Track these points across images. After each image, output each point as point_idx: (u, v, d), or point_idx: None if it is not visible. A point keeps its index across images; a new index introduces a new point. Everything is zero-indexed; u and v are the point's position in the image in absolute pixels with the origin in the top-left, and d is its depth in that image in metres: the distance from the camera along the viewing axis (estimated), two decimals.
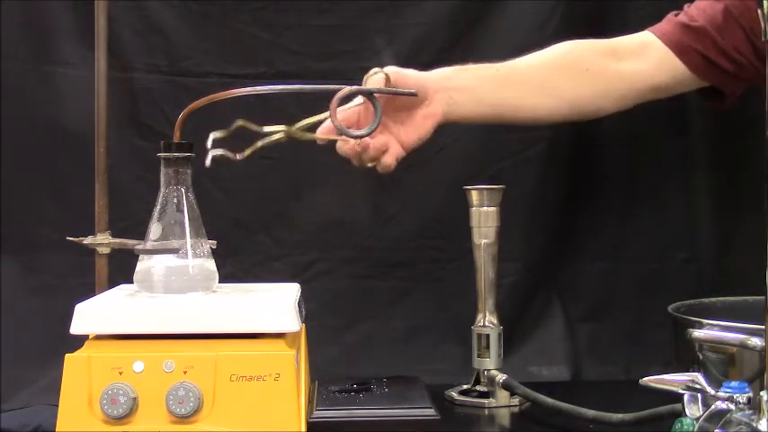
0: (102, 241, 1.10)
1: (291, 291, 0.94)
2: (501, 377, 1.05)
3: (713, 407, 0.73)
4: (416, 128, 1.00)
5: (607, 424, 0.93)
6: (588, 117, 1.09)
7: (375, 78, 0.96)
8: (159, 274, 0.88)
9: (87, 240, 1.10)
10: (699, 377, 0.77)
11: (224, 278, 0.93)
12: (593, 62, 1.06)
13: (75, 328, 0.82)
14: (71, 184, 1.24)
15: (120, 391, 0.78)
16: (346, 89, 0.92)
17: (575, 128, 1.18)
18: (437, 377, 1.15)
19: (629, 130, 1.27)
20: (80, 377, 0.79)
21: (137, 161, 1.24)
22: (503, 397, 1.05)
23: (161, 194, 0.89)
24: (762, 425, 0.70)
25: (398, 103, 0.99)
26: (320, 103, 0.95)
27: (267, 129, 0.93)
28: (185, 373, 0.80)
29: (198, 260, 0.88)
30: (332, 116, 0.93)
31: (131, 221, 1.19)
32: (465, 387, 1.10)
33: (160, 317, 0.82)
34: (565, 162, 1.31)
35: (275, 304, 0.84)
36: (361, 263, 1.29)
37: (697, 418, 0.74)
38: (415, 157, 1.02)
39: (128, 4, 1.24)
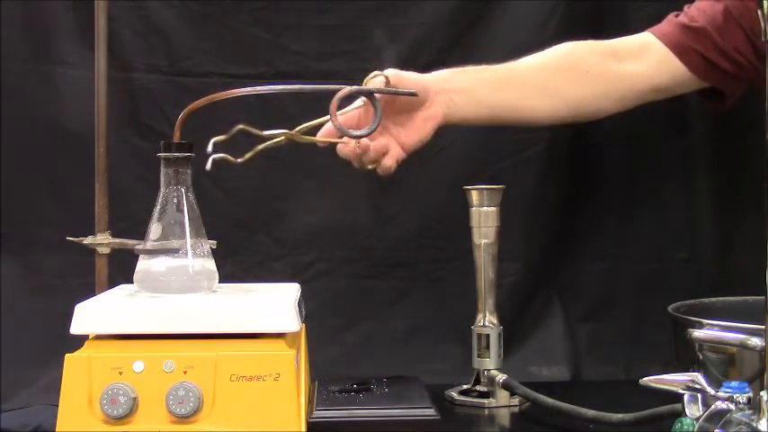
0: (102, 241, 1.10)
1: (291, 291, 0.94)
2: (501, 377, 1.05)
3: (713, 407, 0.73)
4: (416, 130, 1.00)
5: (607, 424, 0.93)
6: (588, 118, 1.09)
7: (375, 81, 0.96)
8: (159, 274, 0.88)
9: (87, 240, 1.10)
10: (699, 377, 0.77)
11: (224, 278, 0.93)
12: (593, 63, 1.06)
13: (75, 328, 0.82)
14: (71, 184, 1.24)
15: (120, 391, 0.78)
16: (346, 89, 0.92)
17: (575, 128, 1.18)
18: (437, 377, 1.15)
19: (629, 131, 1.27)
20: (80, 377, 0.79)
21: (137, 161, 1.24)
22: (503, 397, 1.05)
23: (161, 194, 0.89)
24: (762, 425, 0.70)
25: (398, 105, 0.99)
26: (320, 103, 0.95)
27: (268, 132, 0.93)
28: (185, 373, 0.80)
29: (198, 260, 0.88)
30: (332, 116, 0.93)
31: (131, 221, 1.19)
32: (465, 387, 1.10)
33: (160, 317, 0.82)
34: (565, 162, 1.31)
35: (275, 304, 0.84)
36: (361, 263, 1.29)
37: (697, 418, 0.74)
38: (414, 158, 1.02)
39: (128, 4, 1.24)
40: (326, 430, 0.92)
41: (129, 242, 1.03)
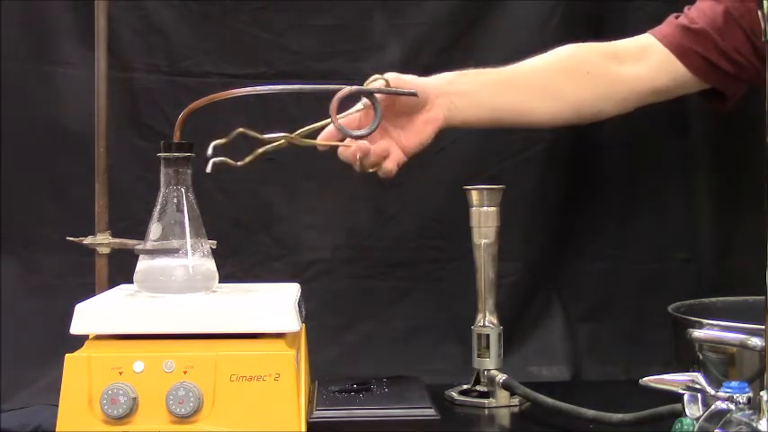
0: (102, 241, 1.10)
1: (291, 291, 0.94)
2: (501, 377, 1.05)
3: (713, 407, 0.73)
4: (417, 133, 1.00)
5: (607, 424, 0.93)
6: (589, 120, 1.09)
7: (375, 84, 0.96)
8: (159, 274, 0.88)
9: (87, 240, 1.10)
10: (699, 377, 0.77)
11: (224, 278, 0.93)
12: (594, 65, 1.07)
13: (75, 328, 0.82)
14: (71, 184, 1.24)
15: (120, 391, 0.78)
16: (346, 89, 0.92)
17: (575, 129, 1.18)
18: (437, 377, 1.15)
19: (629, 132, 1.27)
20: (80, 377, 0.79)
21: (137, 161, 1.24)
22: (503, 397, 1.05)
23: (161, 194, 0.89)
24: (762, 425, 0.70)
25: (399, 108, 0.99)
26: (320, 103, 0.95)
27: (268, 136, 0.93)
28: (185, 373, 0.80)
29: (198, 260, 0.88)
30: (332, 116, 0.93)
31: (131, 221, 1.19)
32: (465, 387, 1.10)
33: (160, 317, 0.82)
34: (565, 163, 1.31)
35: (275, 304, 0.84)
36: (361, 263, 1.29)
37: (697, 418, 0.74)
38: (415, 158, 1.02)
39: (128, 4, 1.24)
40: (326, 430, 0.92)
41: (129, 242, 1.03)
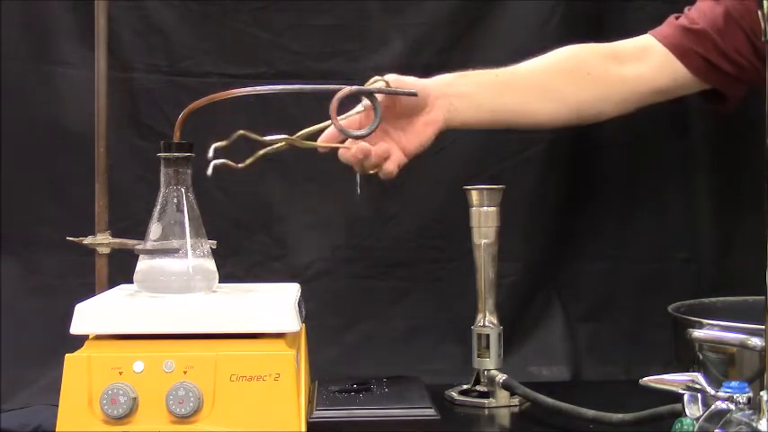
0: (102, 241, 1.10)
1: (291, 291, 0.94)
2: (501, 377, 1.05)
3: (713, 407, 0.73)
4: (417, 135, 1.00)
5: (607, 424, 0.93)
6: (589, 121, 1.09)
7: (375, 86, 0.96)
8: (159, 274, 0.88)
9: (87, 240, 1.10)
10: (699, 377, 0.77)
11: (224, 278, 0.93)
12: (595, 66, 1.07)
13: (76, 328, 0.82)
14: (71, 184, 1.24)
15: (120, 391, 0.78)
16: (346, 89, 0.92)
17: (575, 129, 1.18)
18: (437, 377, 1.15)
19: (629, 132, 1.27)
20: (80, 377, 0.79)
21: (137, 161, 1.24)
22: (503, 397, 1.05)
23: (161, 194, 0.89)
24: (762, 425, 0.70)
25: (399, 110, 0.99)
26: (320, 103, 0.95)
27: (268, 138, 0.93)
28: (185, 373, 0.80)
29: (198, 260, 0.88)
30: (332, 116, 0.93)
31: (131, 221, 1.19)
32: (465, 387, 1.10)
33: (160, 317, 0.82)
34: (565, 162, 1.31)
35: (275, 304, 0.84)
36: (361, 263, 1.29)
37: (697, 418, 0.74)
38: (415, 158, 1.02)
39: (128, 4, 1.24)
40: (326, 430, 0.92)
41: (129, 242, 1.03)
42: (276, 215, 1.28)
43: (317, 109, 0.96)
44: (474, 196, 1.09)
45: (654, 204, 1.31)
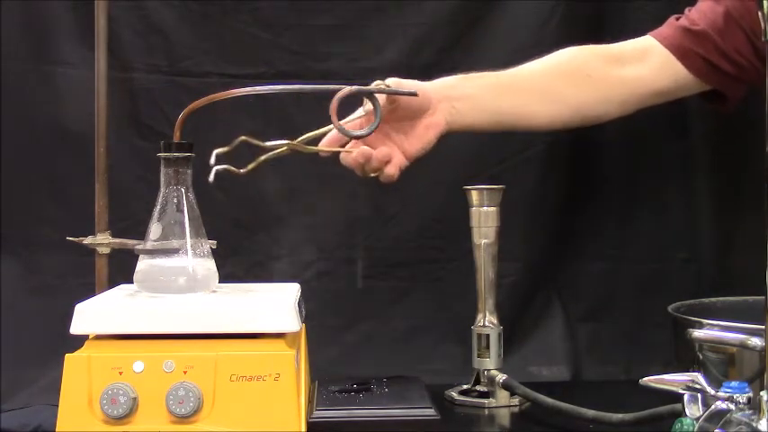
0: (102, 241, 1.10)
1: (291, 291, 0.94)
2: (501, 377, 1.05)
3: (713, 407, 0.73)
4: (419, 138, 1.00)
5: (607, 424, 0.93)
6: (590, 123, 1.09)
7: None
8: (159, 274, 0.88)
9: (87, 240, 1.10)
10: (699, 377, 0.77)
11: (224, 278, 0.93)
12: (595, 68, 1.07)
13: (76, 328, 0.82)
14: (71, 184, 1.24)
15: (120, 391, 0.78)
16: (346, 89, 0.92)
17: (575, 129, 1.18)
18: (437, 377, 1.15)
19: (629, 132, 1.27)
20: (80, 377, 0.79)
21: (137, 161, 1.24)
22: (503, 397, 1.05)
23: (161, 194, 0.89)
24: (762, 425, 0.70)
25: (401, 113, 0.99)
26: (320, 103, 0.95)
27: (270, 143, 0.93)
28: (185, 373, 0.79)
29: (198, 260, 0.88)
30: (332, 117, 0.93)
31: (131, 221, 1.19)
32: (465, 387, 1.10)
33: (160, 317, 0.82)
34: (565, 162, 1.31)
35: (275, 304, 0.84)
36: (361, 263, 1.29)
37: (697, 418, 0.74)
38: (415, 159, 1.02)
39: (128, 4, 1.24)
40: (326, 430, 0.92)
41: (129, 242, 1.03)
42: (276, 215, 1.28)
43: (317, 109, 0.96)
44: (474, 196, 1.09)
45: (654, 204, 1.31)
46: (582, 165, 1.31)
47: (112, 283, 1.05)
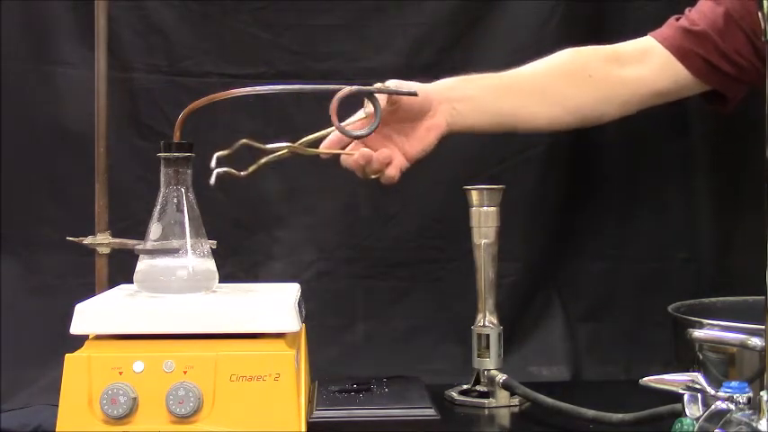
0: (102, 241, 1.10)
1: (291, 291, 0.94)
2: (501, 377, 1.05)
3: (713, 407, 0.73)
4: (420, 140, 1.00)
5: (607, 424, 0.93)
6: (591, 124, 1.09)
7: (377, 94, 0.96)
8: (159, 274, 0.88)
9: (87, 240, 1.10)
10: (699, 377, 0.77)
11: (224, 278, 0.93)
12: (596, 69, 1.07)
13: (75, 328, 0.82)
14: (71, 184, 1.24)
15: (120, 391, 0.78)
16: (346, 89, 0.92)
17: (575, 129, 1.18)
18: (437, 377, 1.15)
19: (629, 131, 1.27)
20: (80, 377, 0.79)
21: (137, 161, 1.24)
22: (503, 397, 1.05)
23: (161, 194, 0.89)
24: (762, 425, 0.70)
25: (402, 115, 0.99)
26: (320, 103, 0.95)
27: (271, 146, 0.93)
28: (185, 373, 0.79)
29: (198, 260, 0.88)
30: (332, 117, 0.93)
31: (131, 221, 1.19)
32: (465, 387, 1.10)
33: (160, 317, 0.82)
34: (565, 162, 1.31)
35: (275, 304, 0.84)
36: (361, 263, 1.29)
37: (697, 418, 0.74)
38: None
39: (128, 4, 1.24)
40: (326, 430, 0.92)
41: (129, 242, 1.03)
42: (276, 215, 1.28)
43: (317, 109, 0.96)
44: (474, 196, 1.09)
45: (654, 204, 1.31)
46: (582, 164, 1.31)
47: (112, 283, 1.05)
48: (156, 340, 0.81)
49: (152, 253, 0.88)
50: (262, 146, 0.92)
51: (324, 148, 0.98)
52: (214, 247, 0.92)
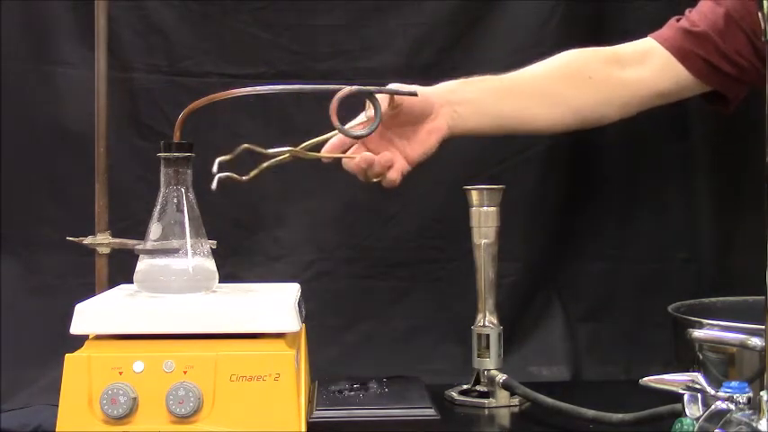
0: (102, 241, 1.10)
1: (291, 291, 0.94)
2: (501, 377, 1.05)
3: (713, 407, 0.73)
4: (421, 143, 1.00)
5: (607, 424, 0.93)
6: (592, 125, 1.09)
7: (377, 96, 0.96)
8: (159, 274, 0.88)
9: (87, 240, 1.10)
10: (699, 377, 0.77)
11: (224, 278, 0.93)
12: (596, 70, 1.07)
13: (75, 328, 0.82)
14: (71, 184, 1.24)
15: (120, 391, 0.78)
16: (346, 89, 0.92)
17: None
18: (437, 377, 1.15)
19: (629, 132, 1.27)
20: (80, 377, 0.79)
21: (137, 161, 1.24)
22: (503, 397, 1.05)
23: (161, 194, 0.89)
24: (762, 425, 0.70)
25: (403, 118, 0.99)
26: (320, 103, 0.95)
27: (272, 150, 0.93)
28: (185, 373, 0.79)
29: (198, 260, 0.88)
30: (332, 117, 0.93)
31: (131, 221, 1.19)
32: (465, 387, 1.10)
33: (160, 317, 0.82)
34: (565, 163, 1.31)
35: (275, 304, 0.84)
36: (361, 263, 1.29)
37: (697, 418, 0.74)
38: None
39: (128, 4, 1.24)
40: (326, 430, 0.92)
41: (129, 242, 1.03)
42: (276, 215, 1.28)
43: (317, 109, 0.96)
44: (474, 196, 1.09)
45: (654, 204, 1.31)
46: (582, 165, 1.31)
47: (112, 283, 1.05)
48: (156, 340, 0.81)
49: (152, 253, 0.88)
50: (263, 150, 0.92)
51: (325, 152, 0.98)
52: (214, 247, 0.92)
